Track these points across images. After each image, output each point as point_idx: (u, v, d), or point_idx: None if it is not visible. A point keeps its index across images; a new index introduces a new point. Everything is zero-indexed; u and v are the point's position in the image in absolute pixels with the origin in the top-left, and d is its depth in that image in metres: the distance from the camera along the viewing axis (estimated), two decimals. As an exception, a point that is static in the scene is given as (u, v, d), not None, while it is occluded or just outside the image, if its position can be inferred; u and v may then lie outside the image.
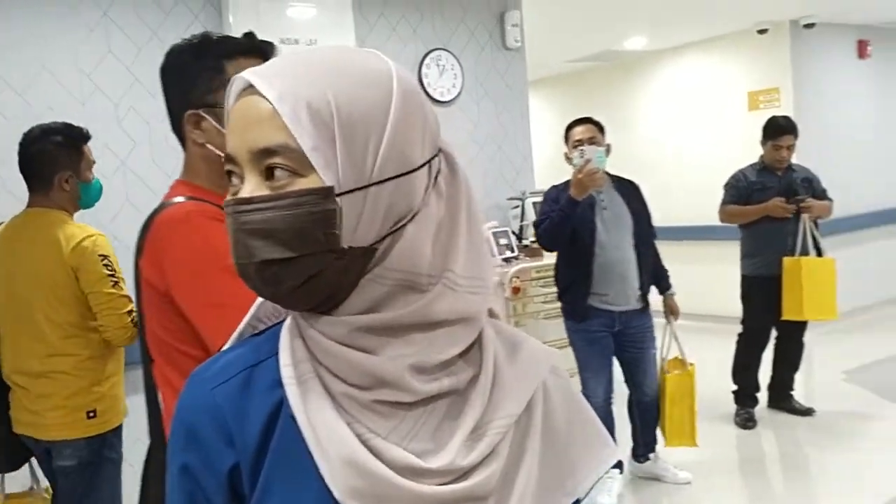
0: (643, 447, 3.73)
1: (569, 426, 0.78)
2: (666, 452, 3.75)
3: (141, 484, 1.52)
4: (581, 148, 3.27)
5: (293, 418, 0.68)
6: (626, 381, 3.65)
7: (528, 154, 4.99)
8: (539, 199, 4.64)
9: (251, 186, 0.66)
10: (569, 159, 3.36)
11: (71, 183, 2.46)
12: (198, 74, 1.34)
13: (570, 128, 3.52)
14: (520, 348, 0.76)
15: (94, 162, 2.54)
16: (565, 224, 3.28)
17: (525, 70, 4.99)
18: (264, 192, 0.65)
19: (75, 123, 3.51)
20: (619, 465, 3.48)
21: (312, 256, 0.65)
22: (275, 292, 0.68)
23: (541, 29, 5.46)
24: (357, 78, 0.67)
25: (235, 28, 3.66)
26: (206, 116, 1.35)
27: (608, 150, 3.38)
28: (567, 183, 3.34)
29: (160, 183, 3.56)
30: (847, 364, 5.43)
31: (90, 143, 2.55)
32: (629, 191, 3.54)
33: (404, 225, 0.67)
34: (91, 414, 2.38)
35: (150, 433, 1.47)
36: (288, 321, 0.74)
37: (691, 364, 3.65)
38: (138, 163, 3.54)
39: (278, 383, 0.70)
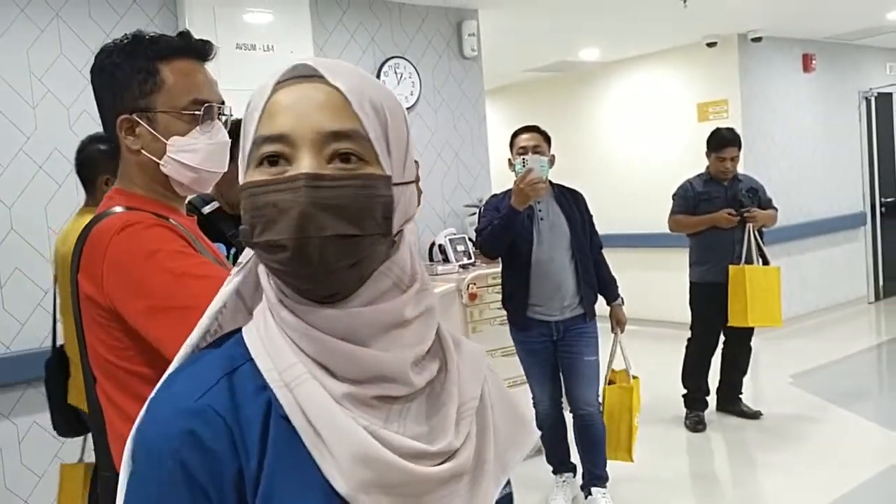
0: (587, 476, 3.51)
1: (501, 411, 0.83)
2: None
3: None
4: (524, 157, 3.23)
5: (286, 420, 0.68)
6: (566, 393, 3.52)
7: (484, 162, 5.04)
8: (495, 206, 4.71)
9: (310, 165, 0.68)
10: (512, 166, 3.32)
11: (110, 185, 2.58)
12: (130, 77, 1.28)
13: (515, 135, 3.49)
14: (460, 343, 0.82)
15: None
16: (506, 233, 3.26)
17: (482, 79, 5.05)
18: (330, 171, 0.69)
19: (24, 127, 3.46)
20: (573, 469, 3.51)
21: (371, 237, 0.69)
22: (326, 271, 0.68)
23: (497, 39, 5.53)
24: (388, 92, 0.75)
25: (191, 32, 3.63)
26: (140, 122, 1.29)
27: (552, 160, 3.35)
28: (508, 192, 3.31)
29: (113, 188, 3.51)
30: (793, 368, 5.59)
31: None
32: (570, 200, 3.48)
33: (403, 227, 0.75)
34: None
35: (95, 453, 1.41)
36: (252, 328, 0.75)
37: (634, 377, 3.55)
38: (91, 167, 3.49)
39: (262, 388, 0.70)
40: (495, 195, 3.52)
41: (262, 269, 0.74)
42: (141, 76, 1.27)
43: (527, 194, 3.16)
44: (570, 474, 3.65)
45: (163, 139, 1.29)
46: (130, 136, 1.30)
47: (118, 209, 1.30)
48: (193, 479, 0.66)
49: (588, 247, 3.47)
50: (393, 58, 4.58)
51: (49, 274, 3.35)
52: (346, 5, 4.42)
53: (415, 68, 4.66)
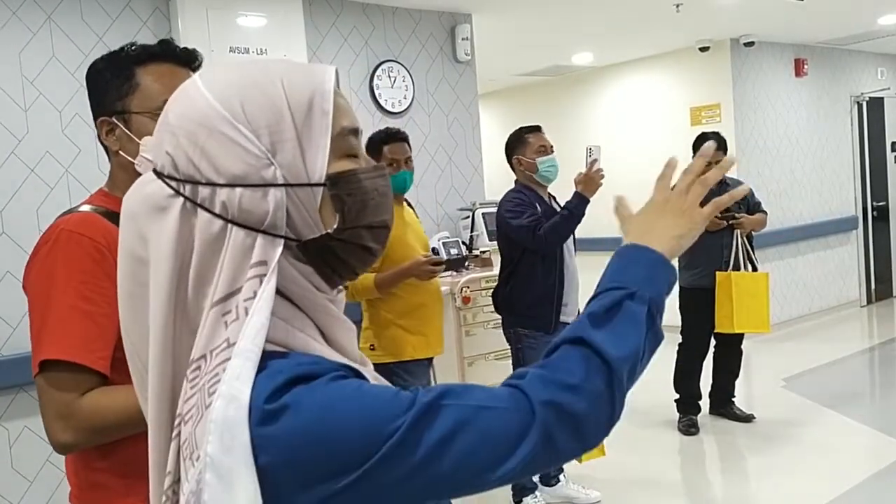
0: (555, 468, 3.56)
1: None
2: (599, 466, 3.68)
3: None
4: (588, 147, 3.33)
5: None
6: None
7: (478, 165, 5.05)
8: (490, 209, 4.70)
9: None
10: (529, 164, 3.41)
11: None
12: (109, 81, 1.33)
13: (527, 133, 3.51)
14: None
15: (394, 160, 3.13)
16: (574, 224, 3.29)
17: (475, 82, 5.06)
18: None
19: (16, 130, 3.44)
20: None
21: None
22: (381, 251, 0.79)
23: (491, 43, 5.54)
24: None
25: (185, 36, 3.62)
26: (118, 124, 1.32)
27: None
28: (527, 187, 3.42)
29: (105, 191, 3.50)
30: (785, 371, 5.60)
31: None
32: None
33: None
34: (372, 347, 3.11)
35: None
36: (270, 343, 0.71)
37: None
38: (83, 171, 3.48)
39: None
40: (520, 191, 3.47)
41: (295, 272, 0.73)
42: (119, 80, 1.32)
43: (597, 182, 3.25)
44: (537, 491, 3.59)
45: (136, 139, 1.30)
46: (110, 137, 1.34)
47: (85, 208, 1.34)
48: None
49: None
50: (386, 61, 4.58)
51: (41, 277, 3.33)
52: (339, 9, 4.42)
53: (408, 72, 4.67)
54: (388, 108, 4.55)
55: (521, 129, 3.56)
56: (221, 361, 0.66)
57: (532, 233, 3.31)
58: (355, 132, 0.77)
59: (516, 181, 3.55)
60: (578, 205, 3.25)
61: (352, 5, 4.47)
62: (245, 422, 0.64)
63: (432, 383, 3.38)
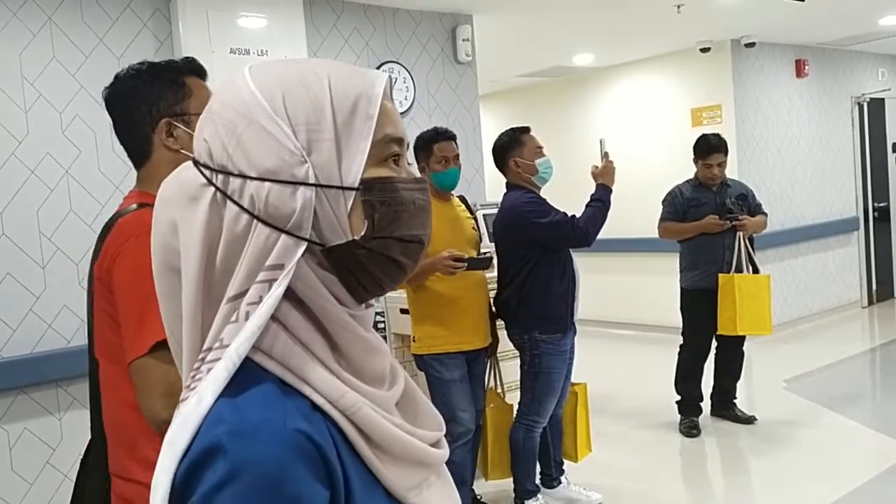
0: (556, 468, 3.62)
1: None
2: (595, 469, 3.75)
3: (76, 479, 1.60)
4: (601, 139, 3.49)
5: (348, 444, 0.68)
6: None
7: (479, 166, 5.04)
8: (491, 211, 4.68)
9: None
10: (529, 166, 3.37)
11: (426, 173, 3.31)
12: (163, 89, 1.48)
13: (522, 133, 3.45)
14: None
15: (444, 157, 3.30)
16: (607, 213, 3.36)
17: (476, 83, 5.05)
18: None
19: (16, 132, 3.44)
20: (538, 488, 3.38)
21: None
22: (412, 267, 0.76)
23: (492, 44, 5.53)
24: None
25: (185, 37, 3.62)
26: (178, 125, 1.48)
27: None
28: (532, 191, 3.40)
29: (106, 192, 3.50)
30: (787, 373, 5.59)
31: None
32: None
33: None
34: (413, 339, 3.34)
35: (91, 430, 1.57)
36: (264, 355, 0.69)
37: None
38: (83, 172, 3.47)
39: (312, 409, 0.67)
40: (530, 192, 3.42)
41: (315, 279, 0.70)
42: (173, 87, 1.49)
43: (614, 172, 3.38)
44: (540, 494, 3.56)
45: None
46: (171, 138, 1.48)
47: (134, 206, 1.45)
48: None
49: None
50: (387, 62, 4.58)
51: (41, 279, 3.33)
52: (340, 10, 4.41)
53: (409, 73, 4.66)
54: (389, 109, 4.55)
55: (513, 129, 3.49)
56: (213, 360, 0.67)
57: (571, 227, 3.28)
58: (399, 141, 0.74)
59: (510, 183, 3.47)
60: (605, 194, 3.36)
61: (352, 6, 4.46)
62: (194, 428, 0.64)
63: (484, 377, 3.50)
